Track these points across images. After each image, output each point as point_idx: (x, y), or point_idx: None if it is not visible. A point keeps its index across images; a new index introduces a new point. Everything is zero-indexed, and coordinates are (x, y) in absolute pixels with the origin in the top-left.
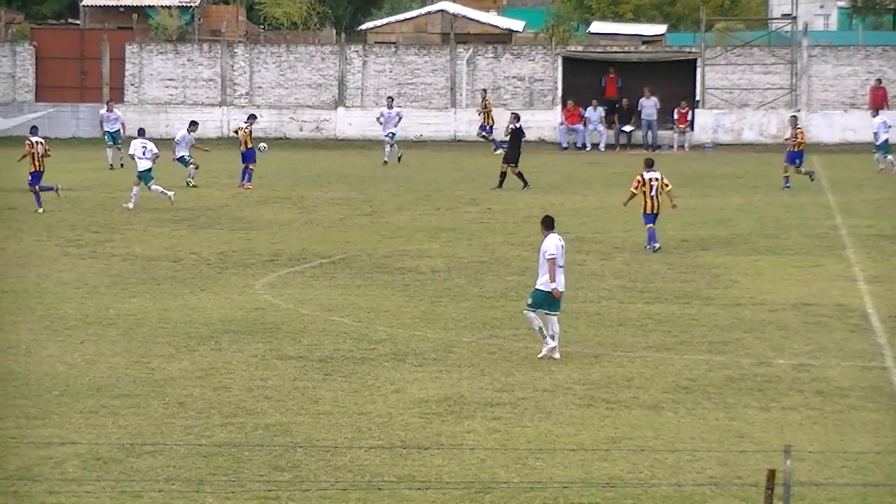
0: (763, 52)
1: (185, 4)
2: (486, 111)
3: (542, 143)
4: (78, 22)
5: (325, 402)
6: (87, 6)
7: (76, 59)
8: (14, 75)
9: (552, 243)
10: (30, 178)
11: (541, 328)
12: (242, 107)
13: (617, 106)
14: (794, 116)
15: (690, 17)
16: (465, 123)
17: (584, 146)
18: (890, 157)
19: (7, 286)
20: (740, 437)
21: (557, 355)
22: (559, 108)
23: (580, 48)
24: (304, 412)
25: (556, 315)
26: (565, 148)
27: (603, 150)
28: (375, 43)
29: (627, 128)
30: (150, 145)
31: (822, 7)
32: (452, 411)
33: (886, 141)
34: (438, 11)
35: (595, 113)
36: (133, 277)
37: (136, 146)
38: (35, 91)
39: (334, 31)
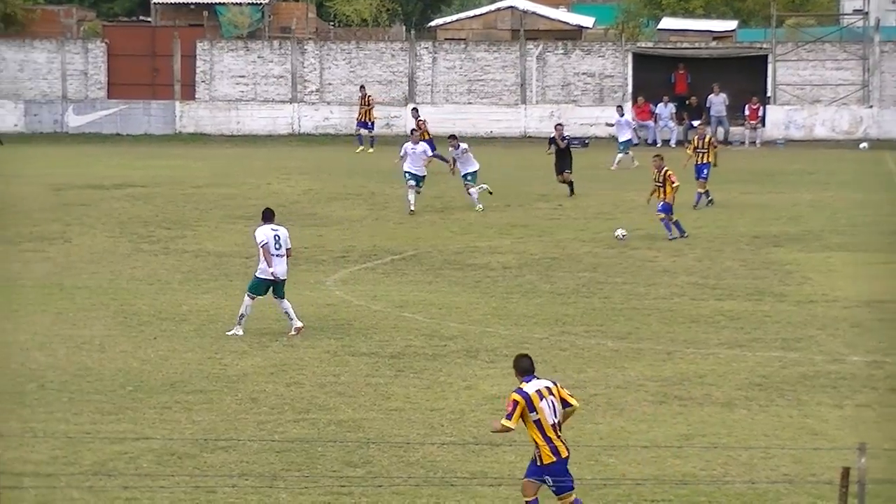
0: (835, 48)
1: (255, 1)
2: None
3: (612, 139)
4: (149, 19)
5: (396, 398)
6: (158, 3)
7: (147, 56)
8: (86, 72)
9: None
10: None
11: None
12: (313, 103)
13: (686, 102)
14: None
15: (761, 13)
16: (535, 120)
17: (654, 142)
18: None
19: (81, 282)
20: (814, 434)
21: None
22: (629, 104)
23: (650, 44)
24: (375, 408)
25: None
26: (635, 144)
27: (673, 146)
28: (445, 39)
29: (697, 123)
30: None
31: (893, 2)
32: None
33: None
34: (508, 8)
35: (665, 109)
36: (205, 274)
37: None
38: (107, 88)
39: (404, 28)
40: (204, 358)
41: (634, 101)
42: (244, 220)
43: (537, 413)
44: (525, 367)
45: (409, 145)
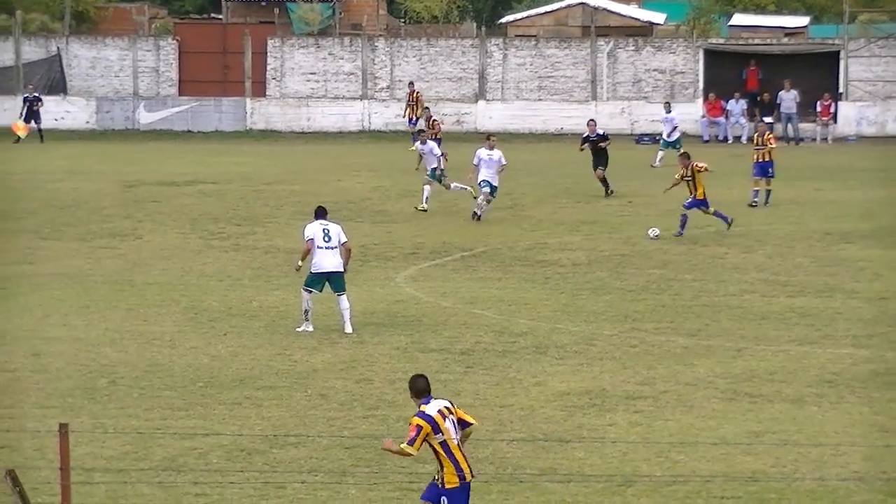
0: None
1: None
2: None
3: (683, 136)
4: (220, 16)
5: (466, 394)
6: (230, 1)
7: (218, 53)
8: (158, 70)
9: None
10: None
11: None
12: (383, 100)
13: (758, 99)
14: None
15: (833, 9)
16: (605, 116)
17: (725, 139)
18: None
19: (152, 279)
20: (885, 431)
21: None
22: (700, 100)
23: (721, 41)
24: None
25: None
26: (707, 141)
27: (745, 142)
28: (516, 36)
29: (768, 119)
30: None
31: None
32: (594, 404)
33: None
34: (579, 4)
35: (737, 105)
36: (276, 270)
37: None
38: (178, 85)
39: (474, 25)
40: (274, 354)
41: (706, 98)
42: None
43: (443, 434)
44: (421, 388)
45: (483, 151)
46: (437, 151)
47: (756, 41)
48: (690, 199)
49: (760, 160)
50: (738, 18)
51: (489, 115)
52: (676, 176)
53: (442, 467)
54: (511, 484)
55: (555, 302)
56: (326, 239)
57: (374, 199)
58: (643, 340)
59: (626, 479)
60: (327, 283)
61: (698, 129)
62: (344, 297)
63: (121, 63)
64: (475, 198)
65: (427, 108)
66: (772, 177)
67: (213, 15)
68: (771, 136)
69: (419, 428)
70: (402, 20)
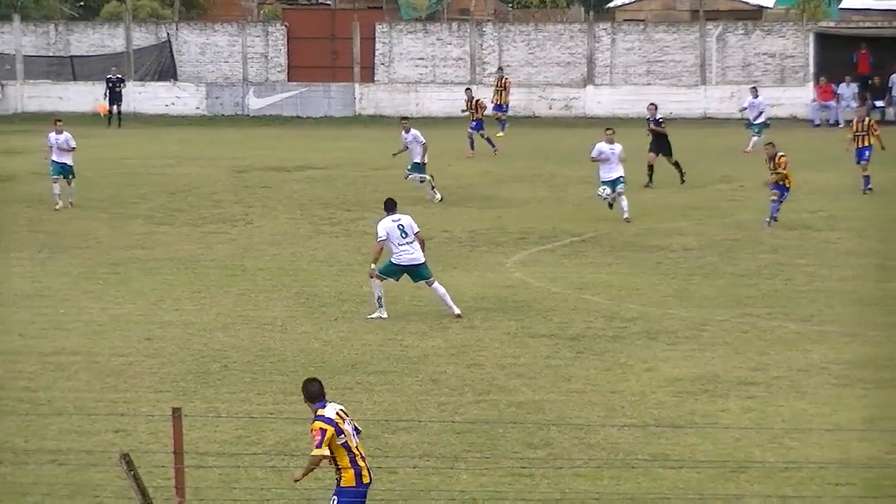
0: None
1: None
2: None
3: (793, 120)
4: (328, 2)
5: (577, 379)
6: None
7: (327, 38)
8: (267, 55)
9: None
10: None
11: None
12: (491, 85)
13: (869, 82)
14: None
15: None
16: (715, 101)
17: (836, 123)
18: None
19: (263, 264)
20: None
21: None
22: (811, 84)
23: (832, 24)
24: (556, 390)
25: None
26: (817, 125)
27: None
28: (624, 21)
29: (879, 103)
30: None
31: None
32: (706, 390)
33: None
34: None
35: (848, 89)
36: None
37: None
38: (287, 71)
39: (582, 10)
40: (384, 339)
41: (816, 82)
42: (424, 202)
43: (345, 436)
44: (316, 392)
45: (603, 145)
46: (422, 139)
47: (867, 24)
48: (775, 184)
49: (861, 145)
50: (849, 1)
51: (598, 100)
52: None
53: (339, 469)
54: (623, 469)
55: (666, 287)
56: (403, 235)
57: (483, 184)
58: (755, 326)
59: (739, 465)
60: (406, 275)
61: (808, 114)
62: (435, 283)
63: (230, 49)
64: (433, 188)
65: (469, 88)
66: (867, 161)
67: (321, 1)
68: (872, 121)
69: (323, 431)
70: (510, 5)
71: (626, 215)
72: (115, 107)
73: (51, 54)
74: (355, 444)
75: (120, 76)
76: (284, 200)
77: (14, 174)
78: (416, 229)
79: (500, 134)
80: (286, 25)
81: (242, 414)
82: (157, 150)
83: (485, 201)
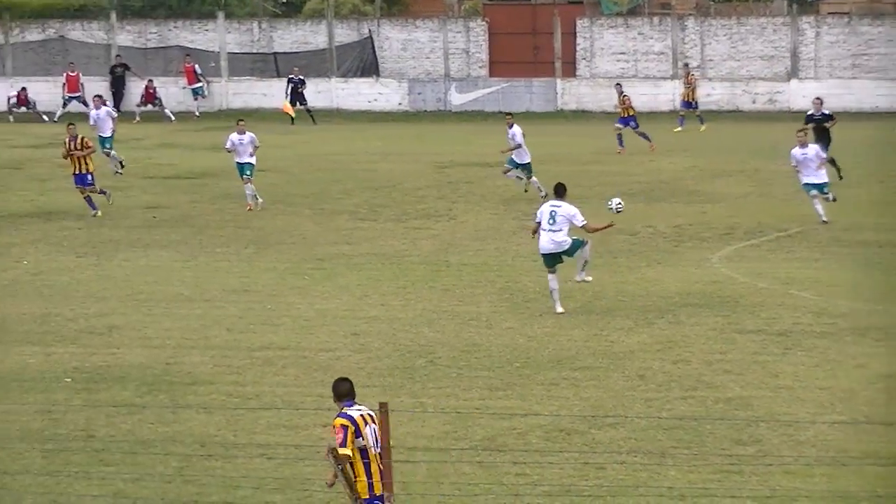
0: None
1: None
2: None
3: None
4: None
5: (785, 376)
6: None
7: (528, 34)
8: (468, 51)
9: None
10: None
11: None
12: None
13: None
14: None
15: None
16: None
17: None
18: None
19: (467, 259)
20: None
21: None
22: None
23: None
24: (764, 386)
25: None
26: None
27: None
28: (828, 13)
29: None
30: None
31: None
32: None
33: None
34: None
35: None
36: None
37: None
38: (488, 66)
39: (785, 3)
40: (590, 335)
41: None
42: (628, 196)
43: (363, 439)
44: (345, 392)
45: (797, 151)
46: (519, 138)
47: None
48: None
49: None
50: None
51: (802, 94)
52: None
53: (354, 475)
54: (834, 467)
55: (874, 283)
56: (551, 222)
57: (688, 179)
58: None
59: None
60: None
61: None
62: (553, 276)
63: (431, 45)
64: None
65: (619, 84)
66: None
67: None
68: None
69: (345, 428)
70: None
71: (823, 218)
72: (299, 105)
73: (254, 51)
74: (374, 453)
75: (301, 77)
76: (488, 196)
77: (219, 170)
78: (580, 221)
79: (702, 128)
80: (487, 21)
81: (449, 409)
82: (360, 146)
83: (688, 196)
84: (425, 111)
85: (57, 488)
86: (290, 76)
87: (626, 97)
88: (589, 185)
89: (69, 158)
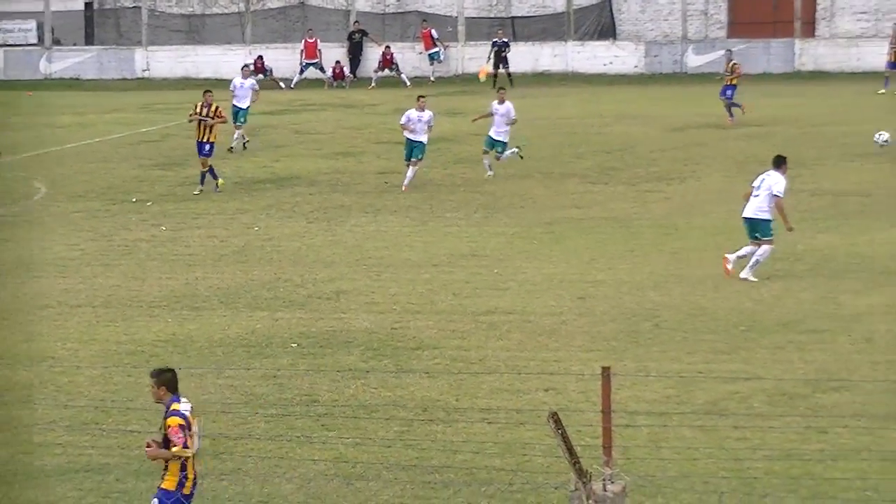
0: None
1: None
2: None
3: None
4: None
5: None
6: None
7: None
8: (707, 12)
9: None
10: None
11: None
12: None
13: None
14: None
15: None
16: None
17: None
18: None
19: (697, 222)
20: None
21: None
22: None
23: None
24: None
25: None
26: None
27: None
28: None
29: None
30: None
31: None
32: None
33: None
34: None
35: None
36: (821, 213)
37: None
38: (727, 27)
39: None
40: (818, 297)
41: None
42: (862, 157)
43: (185, 436)
44: (175, 384)
45: None
46: (513, 114)
47: None
48: None
49: None
50: None
51: None
52: None
53: (166, 468)
54: None
55: None
56: (757, 187)
57: None
58: None
59: None
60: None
61: None
62: (760, 247)
63: (670, 7)
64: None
65: (730, 50)
66: None
67: None
68: None
69: (182, 428)
70: None
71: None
72: (501, 69)
73: (492, 16)
74: (195, 450)
75: (505, 40)
76: (721, 158)
77: (453, 135)
78: (776, 192)
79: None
80: None
81: (672, 373)
82: (594, 110)
83: None
84: (661, 73)
85: (279, 452)
86: (495, 39)
87: (736, 65)
88: (823, 146)
89: (197, 124)
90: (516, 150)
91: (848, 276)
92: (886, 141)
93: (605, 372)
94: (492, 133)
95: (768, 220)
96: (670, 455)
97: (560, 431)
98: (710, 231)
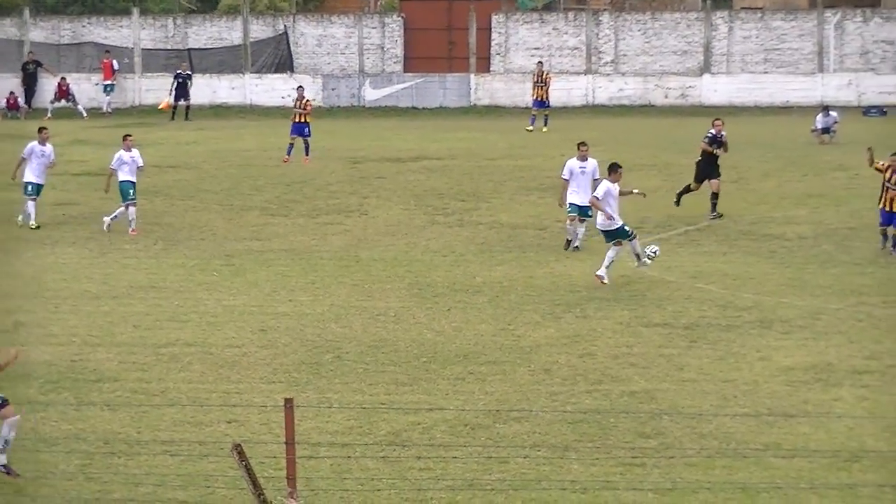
0: None
1: None
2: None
3: None
4: None
5: (690, 369)
6: None
7: (443, 29)
8: (383, 47)
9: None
10: None
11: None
12: (607, 75)
13: None
14: None
15: None
16: (832, 89)
17: None
18: None
19: (377, 254)
20: None
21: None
22: None
23: None
24: (668, 379)
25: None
26: None
27: None
28: (741, 9)
29: None
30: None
31: None
32: (819, 379)
33: None
34: None
35: None
36: (500, 245)
37: None
38: (403, 62)
39: None
40: (497, 329)
41: None
42: (538, 191)
43: None
44: None
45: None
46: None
47: None
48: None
49: None
50: None
51: (714, 89)
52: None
53: None
54: (735, 459)
55: (780, 276)
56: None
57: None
58: (870, 315)
59: (853, 455)
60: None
61: None
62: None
63: (346, 41)
64: None
65: (541, 62)
66: None
67: None
68: None
69: None
70: None
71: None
72: (182, 102)
73: (169, 47)
74: None
75: (188, 72)
76: (399, 191)
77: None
78: (595, 194)
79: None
80: (403, 17)
81: (354, 404)
82: (273, 143)
83: None
84: (339, 107)
85: None
86: (178, 71)
87: (546, 73)
88: (500, 179)
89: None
90: None
91: (526, 307)
92: (655, 252)
93: (288, 403)
94: None
95: (621, 226)
96: (354, 486)
97: (244, 463)
98: (391, 263)
